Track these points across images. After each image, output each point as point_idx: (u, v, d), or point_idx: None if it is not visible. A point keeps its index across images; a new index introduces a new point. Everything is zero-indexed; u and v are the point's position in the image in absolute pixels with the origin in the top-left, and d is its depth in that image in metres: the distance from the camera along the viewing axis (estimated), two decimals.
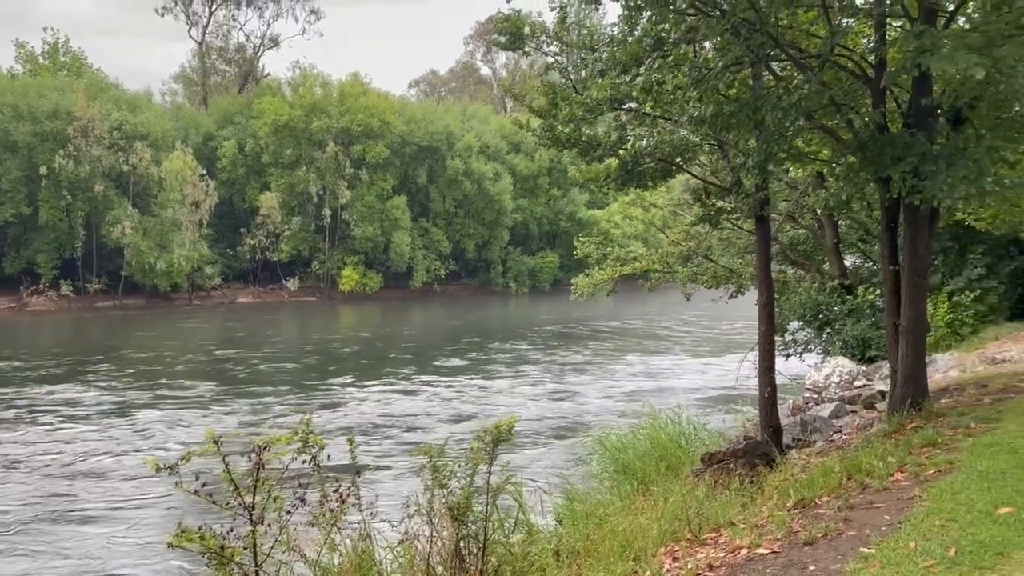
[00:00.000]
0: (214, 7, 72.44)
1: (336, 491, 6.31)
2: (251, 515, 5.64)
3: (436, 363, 29.31)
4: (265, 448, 5.69)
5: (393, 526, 7.03)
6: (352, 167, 61.27)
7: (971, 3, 8.37)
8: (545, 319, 46.91)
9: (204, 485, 5.57)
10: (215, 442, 5.61)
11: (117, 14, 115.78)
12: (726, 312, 25.76)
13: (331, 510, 6.51)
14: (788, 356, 20.76)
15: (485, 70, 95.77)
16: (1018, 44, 6.24)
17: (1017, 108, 8.63)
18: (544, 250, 70.79)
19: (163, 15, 70.86)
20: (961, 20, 8.50)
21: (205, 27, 73.16)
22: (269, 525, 5.61)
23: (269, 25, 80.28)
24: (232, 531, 5.74)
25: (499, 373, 26.79)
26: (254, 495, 5.75)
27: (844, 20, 8.67)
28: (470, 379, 25.60)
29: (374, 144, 61.01)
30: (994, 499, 5.23)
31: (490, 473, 6.69)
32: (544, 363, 29.08)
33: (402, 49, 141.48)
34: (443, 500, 6.72)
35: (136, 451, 16.41)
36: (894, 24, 8.70)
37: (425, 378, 25.74)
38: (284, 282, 61.15)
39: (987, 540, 4.57)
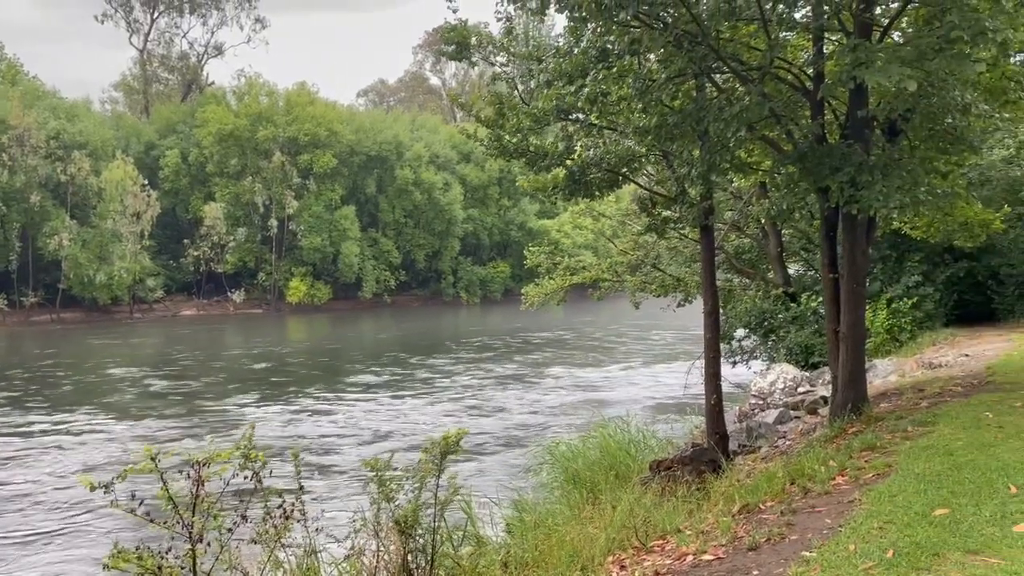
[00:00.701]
0: (156, 15, 71.11)
1: (280, 507, 6.18)
2: (190, 533, 5.49)
3: (384, 375, 29.04)
4: (204, 464, 5.55)
5: (339, 541, 6.91)
6: (299, 177, 60.58)
7: (904, 19, 8.64)
8: (496, 329, 46.88)
9: (141, 503, 5.40)
10: (152, 459, 5.46)
11: (59, 21, 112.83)
12: (676, 320, 26.05)
13: (274, 526, 6.37)
14: (735, 363, 21.12)
15: (434, 80, 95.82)
16: (948, 58, 6.45)
17: (949, 120, 8.92)
18: (495, 260, 70.87)
19: (103, 22, 69.36)
20: (896, 35, 8.77)
21: (147, 35, 71.75)
22: (208, 544, 5.45)
23: (213, 33, 78.86)
24: (171, 550, 5.58)
25: (449, 384, 26.66)
26: (193, 512, 5.60)
27: (783, 34, 8.87)
28: (419, 390, 25.42)
29: (322, 154, 60.42)
30: (930, 501, 5.35)
31: (438, 486, 6.63)
32: (495, 373, 29.03)
33: (350, 58, 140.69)
34: (390, 514, 6.64)
35: (69, 470, 15.89)
36: (831, 38, 8.92)
37: (372, 390, 25.49)
38: (229, 294, 60.06)
39: (923, 541, 4.66)
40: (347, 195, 63.27)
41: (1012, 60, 8.64)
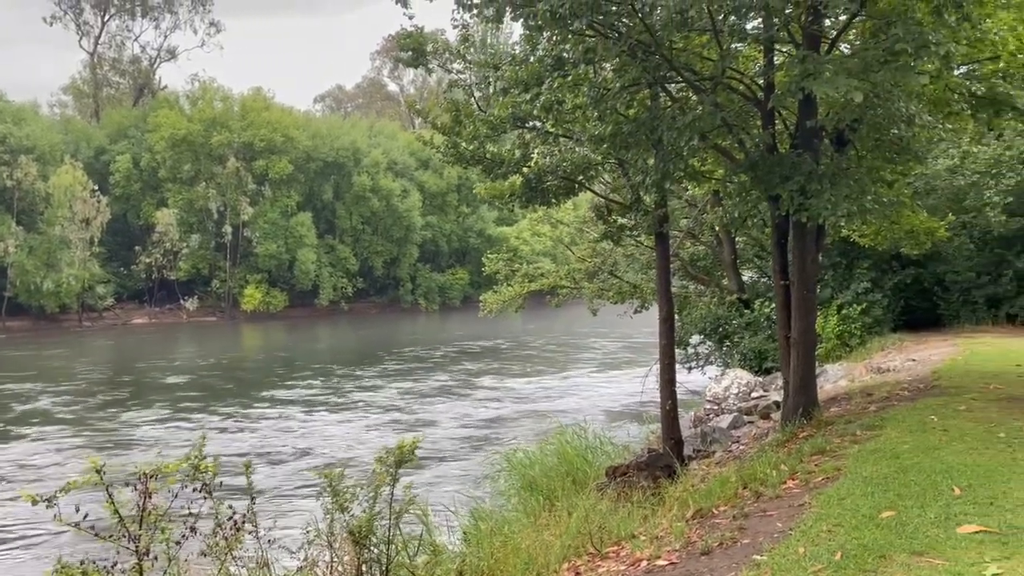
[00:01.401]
0: (107, 17, 69.70)
1: (230, 519, 6.07)
2: (136, 547, 5.36)
3: (339, 382, 28.75)
4: (151, 476, 5.43)
5: (292, 553, 6.81)
6: (254, 183, 59.78)
7: (852, 31, 8.84)
8: (454, 336, 46.76)
9: (85, 517, 5.27)
10: (98, 471, 5.33)
11: (8, 23, 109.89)
12: (634, 326, 26.24)
13: (224, 539, 6.26)
14: (690, 369, 21.35)
15: (392, 86, 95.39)
16: (893, 70, 6.62)
17: (895, 131, 9.15)
18: (454, 267, 70.70)
19: (52, 24, 67.75)
20: (844, 47, 8.97)
21: (97, 37, 70.26)
22: (156, 557, 5.33)
23: (166, 37, 77.39)
24: (116, 565, 5.45)
25: (407, 391, 26.50)
26: (140, 525, 5.48)
27: (734, 45, 9.02)
28: (377, 397, 25.23)
29: (277, 159, 59.74)
30: (877, 503, 5.46)
31: (392, 495, 6.58)
32: (453, 380, 28.94)
33: (307, 64, 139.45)
34: (344, 524, 6.57)
35: (8, 483, 15.42)
36: (781, 49, 9.09)
37: (327, 398, 25.22)
38: (182, 302, 58.95)
39: (870, 543, 4.75)
40: (303, 201, 62.60)
41: (955, 73, 8.89)
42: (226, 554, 6.17)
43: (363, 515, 6.56)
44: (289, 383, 28.91)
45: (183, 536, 5.72)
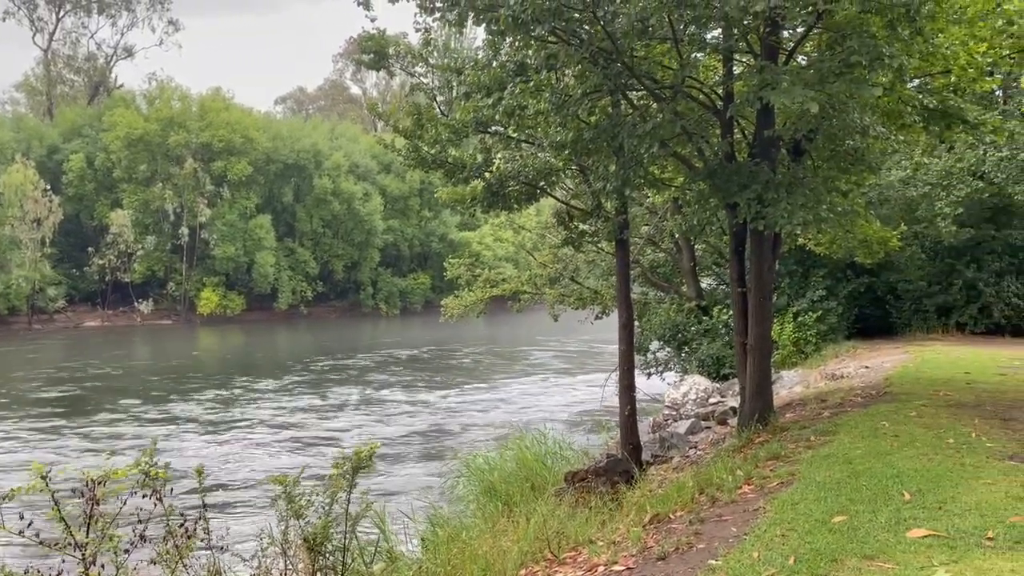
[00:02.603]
0: (62, 13, 68.20)
1: (182, 526, 5.95)
2: (83, 555, 5.22)
3: (297, 388, 28.40)
4: (99, 483, 5.29)
5: (245, 560, 6.69)
6: (212, 184, 58.85)
7: (809, 43, 9.00)
8: (414, 341, 46.52)
9: (30, 524, 5.12)
10: (43, 477, 5.19)
11: None
12: (595, 332, 26.34)
13: (176, 546, 6.13)
14: (650, 375, 21.53)
15: (355, 89, 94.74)
16: (848, 81, 6.75)
17: (850, 142, 9.33)
18: (415, 271, 70.35)
19: (4, 19, 66.04)
20: (801, 59, 9.12)
21: (52, 34, 68.73)
22: (103, 566, 5.20)
23: (123, 34, 75.98)
24: (62, 573, 5.30)
25: (363, 396, 26.27)
26: (87, 532, 5.34)
27: (695, 54, 9.12)
28: (334, 403, 24.97)
29: (236, 161, 58.88)
30: (830, 508, 5.53)
31: (349, 501, 6.50)
32: (413, 386, 28.78)
33: (268, 65, 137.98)
34: (299, 531, 6.48)
35: None
36: (740, 60, 9.22)
37: (285, 403, 24.88)
38: (137, 304, 57.75)
39: (823, 548, 4.81)
40: (263, 204, 61.78)
41: (908, 86, 9.09)
42: (177, 562, 6.05)
43: (318, 522, 6.49)
44: (232, 387, 28.49)
45: (131, 543, 5.60)
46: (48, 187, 54.16)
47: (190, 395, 26.68)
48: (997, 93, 19.38)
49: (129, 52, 72.33)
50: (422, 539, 8.68)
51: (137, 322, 56.88)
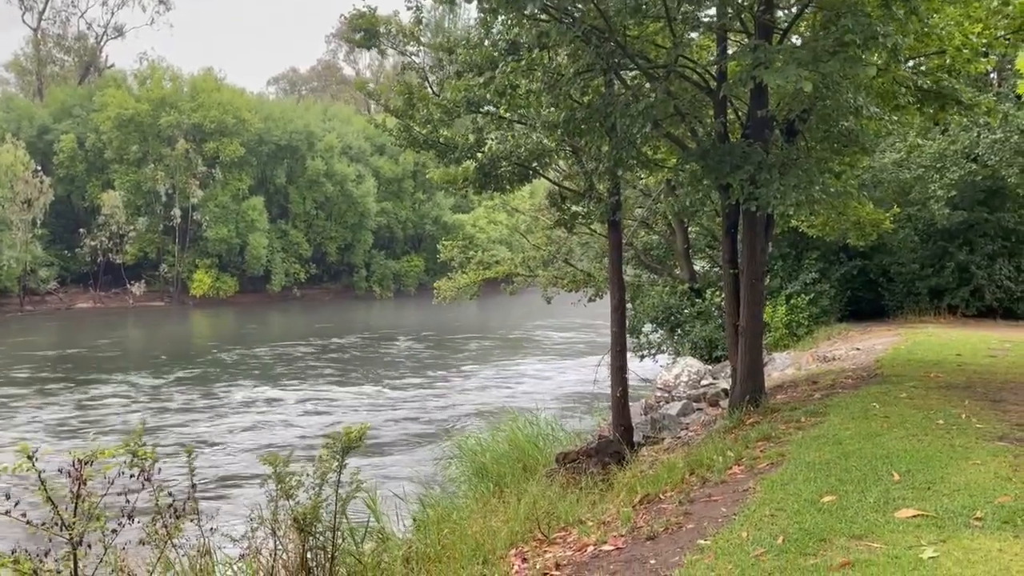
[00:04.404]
0: None
1: (170, 506, 5.92)
2: (70, 535, 5.20)
3: (292, 369, 28.38)
4: (87, 462, 5.26)
5: (235, 540, 6.68)
6: (204, 165, 58.41)
7: (803, 23, 8.93)
8: (408, 323, 46.50)
9: (16, 504, 5.09)
10: (29, 457, 5.15)
11: None
12: (590, 315, 26.34)
13: (164, 526, 6.12)
14: (643, 357, 21.53)
15: (348, 70, 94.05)
16: (842, 60, 6.69)
17: (844, 123, 9.28)
18: (409, 253, 70.19)
19: None
20: (795, 39, 9.05)
21: (41, 13, 67.93)
22: (89, 546, 5.17)
23: (113, 14, 75.61)
24: (49, 553, 5.28)
25: (357, 378, 26.27)
26: (75, 512, 5.31)
27: (689, 34, 9.04)
28: (326, 384, 24.96)
29: (228, 142, 58.43)
30: (819, 488, 5.54)
31: (339, 482, 6.49)
32: (409, 367, 28.79)
33: (261, 45, 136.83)
34: (289, 511, 6.47)
35: None
36: (735, 39, 9.15)
37: (282, 383, 24.86)
38: (129, 286, 57.48)
39: (811, 528, 4.82)
40: (255, 185, 61.40)
41: (902, 67, 9.03)
42: (165, 542, 6.03)
43: (309, 502, 6.48)
44: (224, 367, 28.47)
45: (119, 524, 5.57)
46: (39, 168, 53.73)
47: (182, 376, 26.63)
48: (992, 76, 19.33)
49: (119, 31, 71.65)
50: (414, 519, 8.70)
51: (129, 304, 56.64)
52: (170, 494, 5.85)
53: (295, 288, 62.49)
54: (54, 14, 69.06)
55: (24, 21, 68.57)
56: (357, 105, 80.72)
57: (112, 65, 69.97)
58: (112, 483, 5.59)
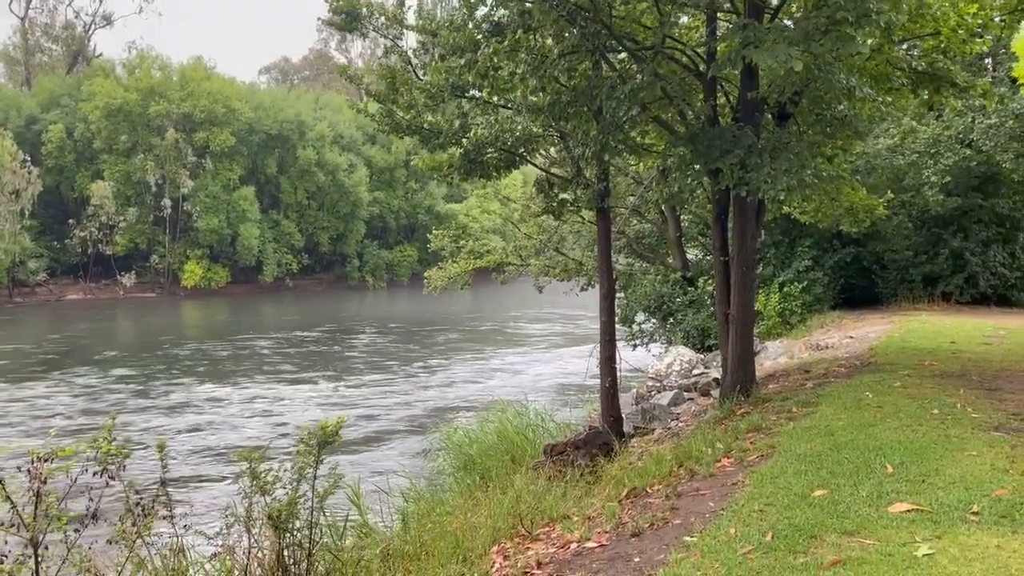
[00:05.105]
0: None
1: (138, 504, 5.72)
2: (30, 536, 4.99)
3: (282, 361, 28.14)
4: (45, 460, 5.05)
5: (210, 538, 6.48)
6: (195, 155, 57.94)
7: (795, 3, 8.70)
8: (401, 313, 46.28)
9: None
10: None
11: None
12: (584, 305, 26.13)
13: (134, 524, 5.91)
14: (635, 346, 21.34)
15: (340, 59, 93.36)
16: (834, 38, 6.47)
17: (838, 107, 9.06)
18: (402, 243, 69.85)
19: None
20: (787, 22, 8.81)
21: (28, 1, 67.17)
22: (45, 547, 4.97)
23: (101, 2, 74.67)
24: (9, 554, 5.08)
25: (351, 369, 26.06)
26: (36, 512, 5.11)
27: (678, 15, 8.81)
28: (317, 375, 24.74)
29: (219, 131, 57.94)
30: (810, 482, 5.35)
31: (315, 477, 6.28)
32: (400, 357, 28.57)
33: (252, 34, 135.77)
34: (264, 508, 6.27)
35: None
36: (724, 19, 8.91)
37: (263, 375, 24.61)
38: (119, 277, 57.06)
39: (802, 523, 4.63)
40: (246, 175, 60.94)
41: (896, 49, 8.81)
42: (135, 539, 5.83)
43: (285, 498, 6.28)
44: (213, 359, 28.19)
45: (83, 523, 5.37)
46: (27, 158, 53.20)
47: (170, 366, 26.38)
48: (987, 62, 19.12)
49: (108, 20, 70.93)
50: (400, 513, 8.52)
51: (120, 295, 56.26)
52: (136, 491, 5.64)
53: (287, 279, 62.17)
54: (41, 2, 68.45)
55: (11, 10, 67.86)
56: (349, 95, 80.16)
57: (100, 54, 69.36)
58: (75, 481, 5.38)
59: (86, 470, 5.36)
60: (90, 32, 70.98)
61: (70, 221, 56.22)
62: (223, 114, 58.22)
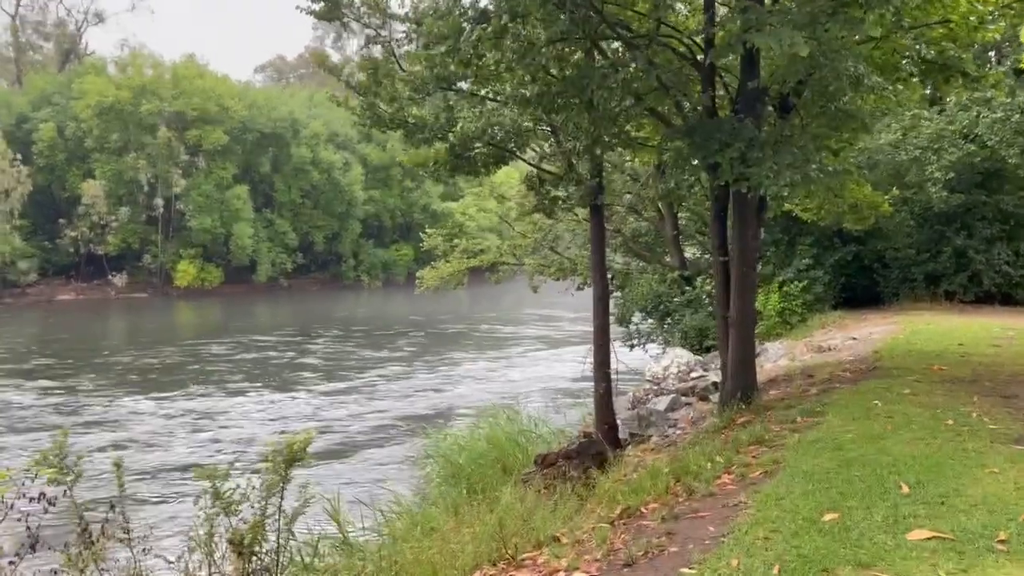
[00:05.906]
0: None
1: (84, 530, 5.26)
2: None
3: (273, 362, 27.66)
4: None
5: (171, 562, 6.01)
6: (187, 154, 57.34)
7: None
8: (396, 313, 45.80)
9: None
10: None
11: None
12: (580, 304, 25.67)
13: (87, 547, 5.46)
14: (632, 347, 20.88)
15: (336, 57, 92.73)
16: (841, 21, 6.01)
17: (845, 99, 8.59)
18: (398, 242, 69.29)
19: None
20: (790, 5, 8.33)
21: None
22: None
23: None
24: None
25: (341, 372, 25.58)
26: None
27: (677, 4, 8.35)
28: (309, 379, 24.27)
29: (212, 130, 57.33)
30: (819, 504, 4.90)
31: (282, 499, 5.82)
32: (393, 359, 28.11)
33: (247, 32, 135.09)
34: (229, 529, 5.82)
35: None
36: (724, 3, 8.43)
37: (250, 379, 24.14)
38: (111, 277, 56.47)
39: (811, 554, 4.18)
40: (240, 174, 60.29)
41: (906, 35, 8.34)
42: (88, 564, 5.37)
43: (250, 520, 5.82)
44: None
45: (22, 548, 4.92)
46: (18, 157, 52.59)
47: (161, 370, 25.90)
48: (990, 54, 18.66)
49: (100, 18, 70.81)
50: (387, 528, 8.07)
51: (112, 295, 55.69)
52: (81, 517, 5.18)
53: (282, 278, 61.59)
54: (32, 0, 67.78)
55: (2, 8, 67.26)
56: (343, 91, 79.47)
57: (92, 52, 68.77)
58: (12, 506, 4.92)
59: (23, 495, 4.90)
60: (82, 30, 70.51)
61: (61, 221, 55.61)
62: (216, 112, 57.62)
